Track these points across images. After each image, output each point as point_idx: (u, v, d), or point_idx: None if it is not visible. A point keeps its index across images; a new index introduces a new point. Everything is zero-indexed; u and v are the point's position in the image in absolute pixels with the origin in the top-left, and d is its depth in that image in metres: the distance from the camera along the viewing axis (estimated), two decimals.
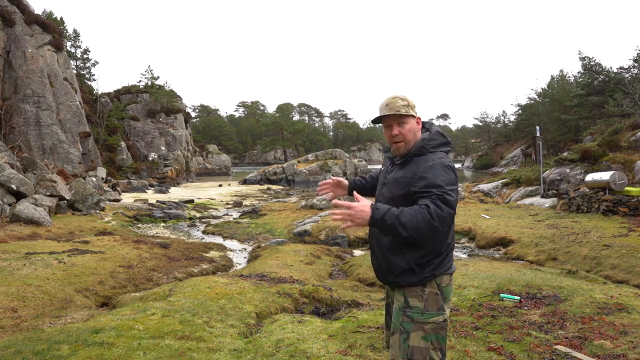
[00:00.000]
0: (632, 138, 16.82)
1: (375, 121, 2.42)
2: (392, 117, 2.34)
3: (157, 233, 13.82)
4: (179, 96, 46.97)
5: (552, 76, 48.41)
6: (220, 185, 35.44)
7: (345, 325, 4.65)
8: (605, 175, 12.56)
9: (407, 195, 2.24)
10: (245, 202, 23.16)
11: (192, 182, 40.38)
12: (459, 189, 20.29)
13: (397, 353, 2.26)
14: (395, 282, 2.31)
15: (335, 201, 2.22)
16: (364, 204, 2.04)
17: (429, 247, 2.24)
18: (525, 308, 5.02)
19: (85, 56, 42.17)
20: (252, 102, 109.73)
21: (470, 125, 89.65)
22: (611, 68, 29.34)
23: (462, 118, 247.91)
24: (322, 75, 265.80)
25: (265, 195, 27.87)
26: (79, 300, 6.28)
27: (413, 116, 2.35)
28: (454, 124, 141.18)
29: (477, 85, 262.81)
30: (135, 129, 39.14)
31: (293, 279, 7.03)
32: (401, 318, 2.27)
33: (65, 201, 15.38)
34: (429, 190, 2.12)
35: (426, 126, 2.44)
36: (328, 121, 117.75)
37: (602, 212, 12.26)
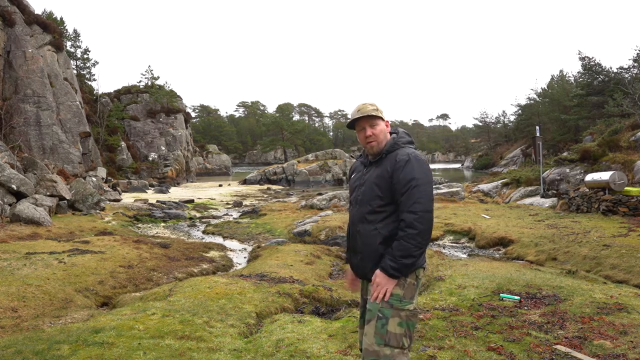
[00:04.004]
0: (632, 138, 16.81)
1: (349, 126, 2.68)
2: (364, 120, 2.61)
3: (157, 233, 13.82)
4: (179, 96, 46.96)
5: (552, 76, 48.58)
6: (220, 185, 35.44)
7: (345, 325, 4.65)
8: (605, 175, 12.55)
9: (388, 189, 2.49)
10: (245, 202, 23.16)
11: (192, 182, 40.39)
12: (459, 189, 20.52)
13: (372, 340, 2.42)
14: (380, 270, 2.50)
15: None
16: (379, 276, 2.44)
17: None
18: (525, 308, 5.02)
19: (85, 56, 42.19)
20: (252, 102, 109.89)
21: (470, 125, 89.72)
22: (611, 68, 29.37)
23: (462, 118, 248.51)
24: (322, 75, 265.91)
25: (265, 195, 27.87)
26: (79, 300, 6.29)
27: (382, 119, 2.63)
28: (454, 124, 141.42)
29: (477, 85, 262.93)
30: (135, 129, 39.14)
31: (293, 279, 7.03)
32: (381, 304, 2.43)
33: (65, 201, 15.39)
34: (404, 192, 2.42)
35: (392, 130, 2.70)
36: (328, 121, 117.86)
37: (602, 212, 12.26)
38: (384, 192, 2.50)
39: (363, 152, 2.77)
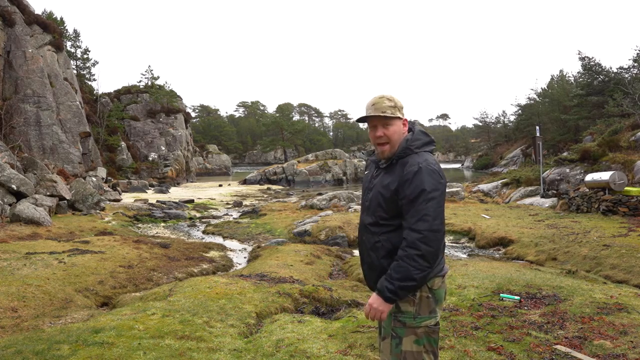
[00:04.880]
0: (632, 138, 16.82)
1: (360, 120, 2.37)
2: (377, 118, 2.28)
3: (157, 233, 13.82)
4: (179, 96, 46.97)
5: (552, 76, 48.53)
6: (220, 185, 35.45)
7: (345, 325, 4.65)
8: (605, 175, 12.56)
9: (393, 202, 2.22)
10: (245, 202, 23.16)
11: (192, 182, 40.39)
12: (459, 189, 20.51)
13: (388, 358, 2.24)
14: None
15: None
16: (373, 298, 2.19)
17: None
18: (525, 308, 5.02)
19: (85, 56, 42.19)
20: (252, 102, 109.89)
21: (470, 125, 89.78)
22: (611, 68, 29.36)
23: (462, 118, 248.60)
24: (322, 75, 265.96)
25: (265, 195, 27.88)
26: (79, 300, 6.29)
27: (399, 118, 2.30)
28: (454, 124, 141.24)
29: (477, 85, 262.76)
30: (135, 129, 39.14)
31: (293, 279, 7.03)
32: (393, 323, 2.23)
33: (65, 201, 15.39)
34: (409, 207, 2.14)
35: (409, 126, 2.38)
36: (328, 121, 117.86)
37: (602, 212, 12.26)
38: (388, 205, 2.23)
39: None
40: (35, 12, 27.37)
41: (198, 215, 18.18)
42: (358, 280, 7.64)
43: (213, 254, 10.18)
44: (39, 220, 12.35)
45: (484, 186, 22.41)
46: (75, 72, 35.14)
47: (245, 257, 10.41)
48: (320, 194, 21.09)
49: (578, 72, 35.85)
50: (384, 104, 2.27)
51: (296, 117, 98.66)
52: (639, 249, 8.11)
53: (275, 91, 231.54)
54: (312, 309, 5.64)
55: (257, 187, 35.31)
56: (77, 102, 26.85)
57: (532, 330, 4.30)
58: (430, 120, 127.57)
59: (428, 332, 2.20)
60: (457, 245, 11.47)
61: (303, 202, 19.00)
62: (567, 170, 17.30)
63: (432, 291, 2.22)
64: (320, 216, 14.58)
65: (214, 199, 24.76)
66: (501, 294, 5.50)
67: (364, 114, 2.34)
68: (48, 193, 14.77)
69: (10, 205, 13.13)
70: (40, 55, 25.13)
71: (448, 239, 11.87)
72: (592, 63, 29.78)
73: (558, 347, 3.87)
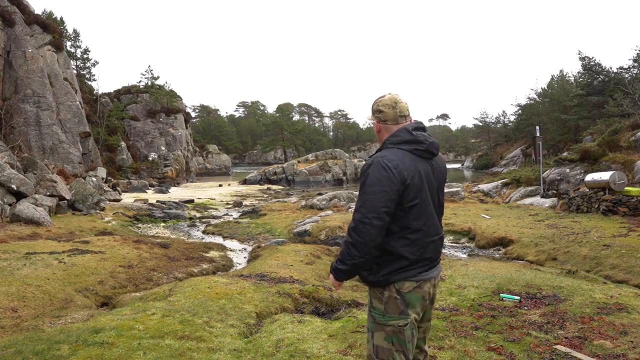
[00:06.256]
0: (632, 138, 16.82)
1: None
2: None
3: (157, 233, 13.83)
4: (179, 96, 46.97)
5: (552, 76, 48.47)
6: (220, 185, 35.46)
7: (345, 325, 4.66)
8: (605, 175, 12.56)
9: None
10: (245, 202, 23.17)
11: (192, 182, 40.40)
12: (459, 189, 20.51)
13: (368, 347, 2.38)
14: (361, 276, 2.37)
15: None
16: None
17: (385, 247, 2.25)
18: (525, 308, 5.03)
19: (85, 56, 42.22)
20: (252, 102, 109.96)
21: (470, 125, 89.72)
22: (611, 68, 29.31)
23: (462, 118, 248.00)
24: (322, 75, 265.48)
25: (265, 195, 27.88)
26: (79, 300, 6.29)
27: (375, 120, 2.50)
28: (454, 124, 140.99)
29: (477, 85, 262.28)
30: (135, 129, 39.14)
31: (293, 279, 7.03)
32: (368, 317, 2.37)
33: (65, 201, 15.39)
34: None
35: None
36: (328, 121, 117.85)
37: (602, 212, 12.26)
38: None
39: None
40: (35, 12, 27.40)
41: (198, 215, 18.18)
42: (358, 280, 7.64)
43: (213, 254, 10.18)
44: (39, 220, 12.35)
45: (484, 186, 22.41)
46: (75, 72, 35.16)
47: (245, 257, 10.41)
48: (320, 194, 21.09)
49: (578, 72, 35.87)
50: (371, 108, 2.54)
51: (296, 117, 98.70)
52: (639, 249, 8.11)
53: (275, 91, 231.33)
54: (312, 309, 5.64)
55: (257, 187, 35.32)
56: (77, 102, 26.86)
57: (532, 330, 4.31)
58: (430, 120, 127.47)
59: (396, 332, 2.26)
60: (457, 245, 11.47)
61: (303, 202, 19.00)
62: (567, 170, 17.31)
63: (401, 293, 2.26)
64: (320, 216, 14.58)
65: (214, 199, 24.76)
66: (501, 294, 5.50)
67: (368, 114, 2.56)
68: (48, 193, 14.78)
69: (10, 205, 13.13)
70: (40, 55, 25.14)
71: (448, 239, 11.87)
72: (592, 63, 29.75)
73: (558, 347, 3.87)
